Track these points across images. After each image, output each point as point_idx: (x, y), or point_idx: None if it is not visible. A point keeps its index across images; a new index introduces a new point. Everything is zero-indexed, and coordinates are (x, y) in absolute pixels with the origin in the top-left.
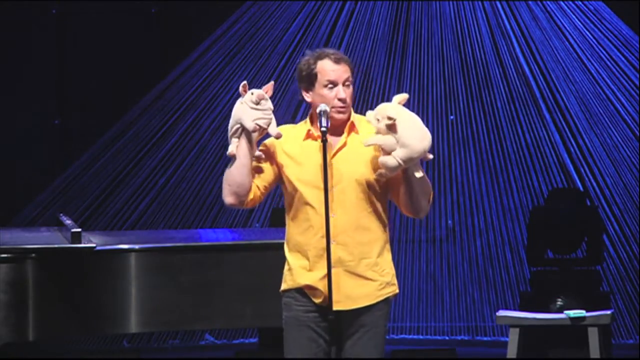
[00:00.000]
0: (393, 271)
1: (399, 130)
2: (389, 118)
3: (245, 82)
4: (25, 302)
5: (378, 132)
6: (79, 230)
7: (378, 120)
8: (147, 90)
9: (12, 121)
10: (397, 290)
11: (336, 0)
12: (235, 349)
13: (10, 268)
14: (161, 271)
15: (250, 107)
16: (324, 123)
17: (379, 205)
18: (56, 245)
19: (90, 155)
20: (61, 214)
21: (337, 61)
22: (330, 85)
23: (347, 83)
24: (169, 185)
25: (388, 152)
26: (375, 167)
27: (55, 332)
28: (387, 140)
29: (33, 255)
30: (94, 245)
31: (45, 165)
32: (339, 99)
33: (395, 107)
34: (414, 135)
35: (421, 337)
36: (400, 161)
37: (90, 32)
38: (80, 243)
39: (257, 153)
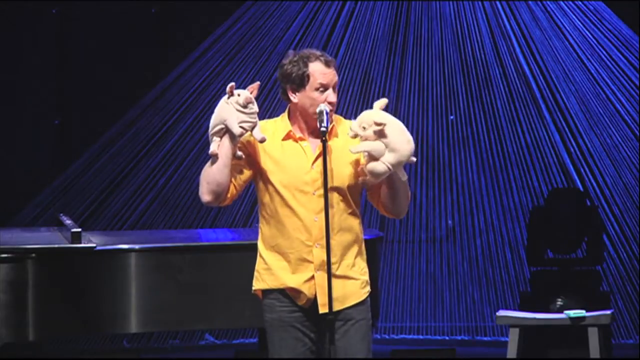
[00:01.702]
0: (367, 270)
1: (388, 135)
2: (377, 124)
3: (232, 83)
4: (25, 302)
5: (364, 140)
6: (79, 230)
7: (364, 128)
8: (147, 90)
9: (12, 121)
10: (370, 290)
11: (336, 0)
12: (235, 349)
13: (10, 268)
14: (161, 271)
15: (236, 109)
16: (324, 123)
17: (357, 207)
18: (56, 245)
19: (90, 155)
20: (61, 214)
21: (327, 64)
22: (321, 89)
23: (335, 87)
24: (169, 185)
25: (375, 158)
26: (356, 170)
27: (55, 332)
28: (377, 146)
29: (33, 255)
30: (94, 245)
31: (45, 165)
32: (330, 102)
33: (380, 113)
34: (402, 139)
35: (421, 337)
36: (390, 166)
37: (90, 32)
38: (80, 243)
39: (239, 154)
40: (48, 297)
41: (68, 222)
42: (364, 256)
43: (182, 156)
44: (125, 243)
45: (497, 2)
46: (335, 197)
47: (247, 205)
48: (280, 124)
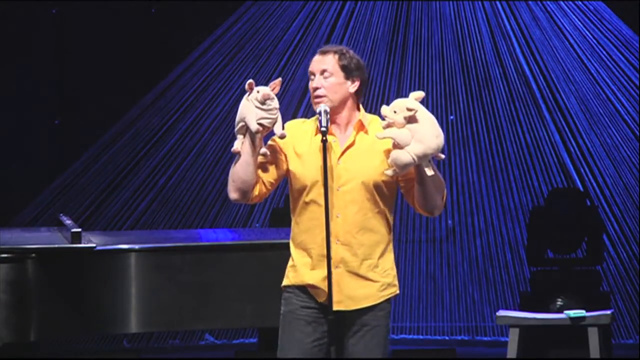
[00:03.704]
0: (394, 272)
1: (417, 124)
2: (409, 109)
3: (251, 80)
4: (25, 302)
5: (392, 126)
6: (79, 230)
7: (395, 112)
8: (147, 90)
9: (12, 121)
10: (398, 292)
11: (336, 0)
12: (235, 349)
13: (10, 268)
14: (161, 271)
15: (255, 106)
16: (323, 123)
17: (385, 207)
18: (56, 245)
19: (90, 155)
20: (61, 214)
21: (322, 53)
22: (311, 77)
23: (325, 74)
24: (169, 185)
25: (400, 147)
26: (384, 167)
27: (55, 332)
28: (402, 133)
29: (33, 255)
30: (94, 245)
31: (45, 165)
32: (312, 88)
33: (413, 100)
34: (430, 131)
35: (421, 337)
36: (415, 157)
37: (90, 32)
38: (80, 243)
39: (263, 150)
40: (48, 297)
41: (68, 222)
42: (390, 258)
43: (182, 156)
44: (125, 243)
45: (497, 2)
46: (360, 195)
47: (247, 205)
48: (312, 121)
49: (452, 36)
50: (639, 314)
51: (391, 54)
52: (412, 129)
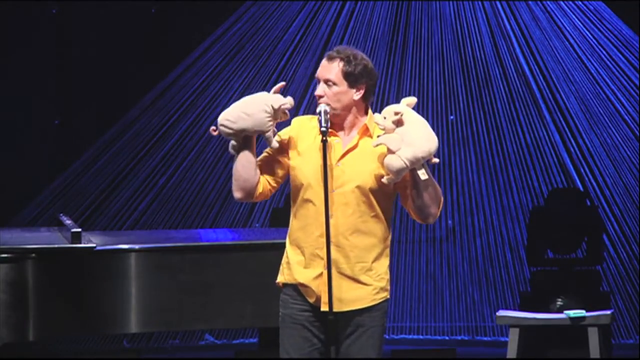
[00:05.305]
0: (388, 276)
1: (405, 127)
2: (396, 113)
3: (283, 82)
4: (25, 302)
5: (385, 131)
6: (79, 230)
7: (385, 118)
8: (147, 90)
9: (12, 121)
10: (389, 297)
11: (336, 0)
12: (235, 349)
13: (10, 268)
14: (161, 271)
15: (267, 111)
16: (323, 123)
17: (381, 211)
18: (56, 245)
19: (90, 155)
20: (61, 214)
21: (328, 59)
22: (317, 81)
23: (329, 83)
24: (169, 185)
25: (393, 152)
26: (382, 172)
27: (55, 332)
28: (393, 138)
29: (33, 255)
30: (94, 245)
31: (45, 165)
32: (316, 95)
33: (401, 105)
34: (421, 134)
35: (421, 337)
36: (406, 161)
37: (90, 32)
38: (80, 243)
39: (274, 144)
40: (48, 297)
41: (68, 222)
42: (385, 262)
43: (182, 156)
44: (125, 243)
45: (497, 2)
46: (354, 199)
47: (247, 205)
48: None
49: (452, 36)
50: (639, 314)
51: (391, 54)
52: (401, 133)
